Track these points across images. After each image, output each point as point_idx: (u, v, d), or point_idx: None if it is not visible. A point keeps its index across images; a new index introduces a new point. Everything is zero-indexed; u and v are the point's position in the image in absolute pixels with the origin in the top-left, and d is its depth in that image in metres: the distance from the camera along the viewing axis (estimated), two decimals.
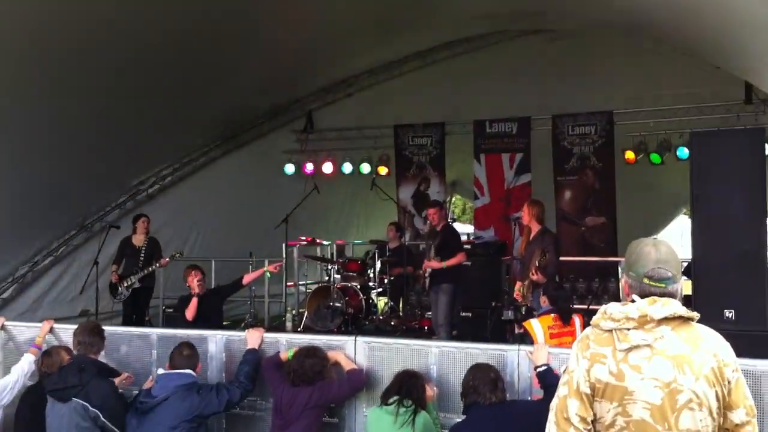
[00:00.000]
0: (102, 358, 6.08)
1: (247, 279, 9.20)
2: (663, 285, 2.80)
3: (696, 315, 2.80)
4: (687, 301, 6.82)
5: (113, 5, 8.45)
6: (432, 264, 9.26)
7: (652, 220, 14.69)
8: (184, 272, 8.60)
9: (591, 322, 2.93)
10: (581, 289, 12.02)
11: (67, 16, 8.29)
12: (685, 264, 8.35)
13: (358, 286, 10.93)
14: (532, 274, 7.60)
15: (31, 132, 9.70)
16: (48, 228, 11.58)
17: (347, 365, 5.52)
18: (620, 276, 2.85)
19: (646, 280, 2.81)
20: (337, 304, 10.52)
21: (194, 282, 8.34)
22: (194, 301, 8.25)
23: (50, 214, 11.20)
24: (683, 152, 11.48)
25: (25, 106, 9.25)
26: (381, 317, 11.37)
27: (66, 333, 6.61)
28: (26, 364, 6.27)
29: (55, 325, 6.85)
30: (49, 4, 8.07)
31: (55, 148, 10.21)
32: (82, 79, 9.46)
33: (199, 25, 9.59)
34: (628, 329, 2.75)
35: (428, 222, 10.00)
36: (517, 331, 7.63)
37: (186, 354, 5.58)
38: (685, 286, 8.69)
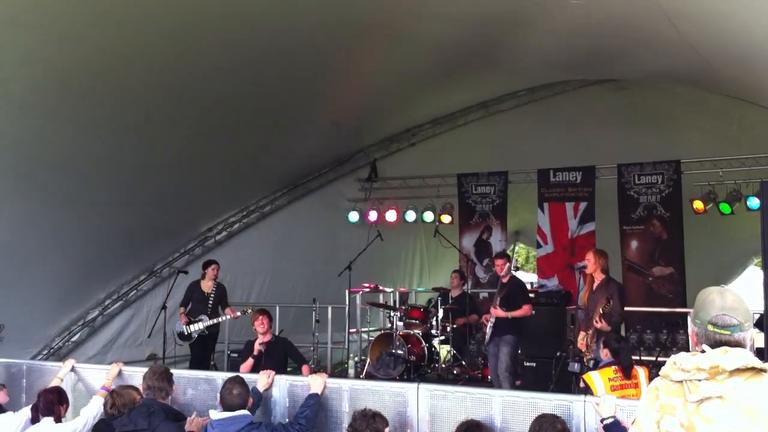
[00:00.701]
0: (167, 400, 6.16)
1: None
2: (728, 332, 2.75)
3: None
4: (759, 353, 6.66)
5: (189, 60, 8.76)
6: (498, 312, 9.14)
7: (721, 270, 14.36)
8: (252, 317, 8.64)
9: (660, 373, 2.88)
10: (649, 340, 11.74)
11: (147, 72, 8.66)
12: (758, 316, 8.21)
13: (421, 334, 10.90)
14: (596, 322, 7.49)
15: (105, 181, 10.07)
16: (119, 273, 11.92)
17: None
18: (689, 326, 2.81)
19: (710, 327, 2.77)
20: (400, 352, 10.49)
21: (259, 328, 8.36)
22: (250, 361, 8.21)
23: (121, 260, 11.55)
24: (753, 202, 11.24)
25: (99, 156, 9.62)
26: (443, 365, 11.29)
27: (134, 376, 6.73)
28: (95, 406, 6.36)
29: (124, 368, 6.99)
30: (131, 67, 8.42)
31: (127, 196, 10.59)
32: (153, 129, 9.82)
33: (268, 78, 9.86)
34: (699, 380, 2.70)
35: (493, 271, 9.91)
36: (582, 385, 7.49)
37: (237, 393, 5.56)
38: (758, 339, 8.47)
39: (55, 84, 8.23)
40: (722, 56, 7.74)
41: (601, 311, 7.51)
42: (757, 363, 2.69)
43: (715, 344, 2.75)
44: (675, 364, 2.80)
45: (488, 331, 9.27)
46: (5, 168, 8.92)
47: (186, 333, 10.15)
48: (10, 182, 9.13)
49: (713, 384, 2.67)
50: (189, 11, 7.82)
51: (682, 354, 2.83)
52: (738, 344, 2.76)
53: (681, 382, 2.75)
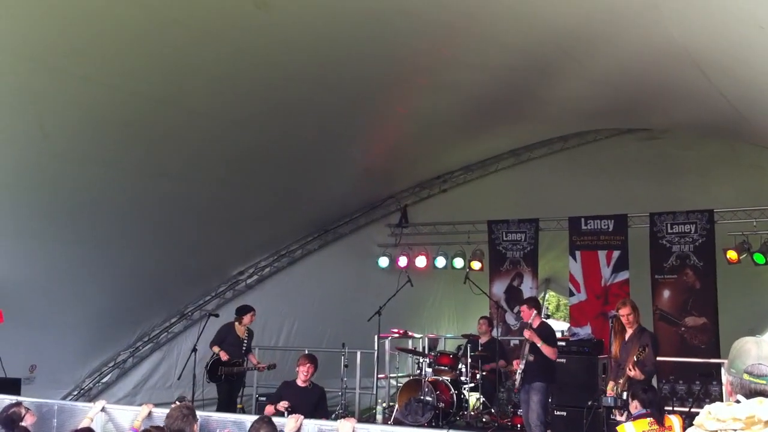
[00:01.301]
0: None
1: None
2: (764, 381, 2.73)
3: None
4: None
5: (224, 106, 8.94)
6: (533, 337, 8.97)
7: (756, 321, 14.18)
8: (299, 360, 8.60)
9: (695, 422, 2.86)
10: (681, 391, 11.55)
11: (183, 118, 8.88)
12: None
13: (450, 381, 10.82)
14: (630, 370, 7.41)
15: (138, 224, 10.25)
16: (150, 315, 12.06)
17: None
18: (723, 377, 2.81)
19: (746, 376, 2.75)
20: (428, 398, 10.41)
21: (302, 375, 8.35)
22: (271, 410, 8.07)
23: (152, 302, 11.69)
24: None
25: (133, 199, 9.81)
26: (472, 413, 11.18)
27: (164, 418, 6.76)
28: None
29: (154, 410, 7.02)
30: (167, 112, 8.65)
31: (159, 239, 10.75)
32: (187, 173, 10.02)
33: (301, 124, 10.04)
34: (735, 430, 2.68)
35: (520, 318, 9.83)
36: (618, 416, 7.36)
37: None
38: None
39: (91, 129, 8.46)
40: (753, 106, 7.74)
41: (635, 359, 7.44)
42: None
43: (751, 394, 2.74)
44: (710, 413, 2.78)
45: (518, 377, 9.17)
46: (41, 210, 9.12)
47: (218, 374, 10.18)
48: (46, 224, 9.32)
49: None
50: (227, 60, 8.02)
51: (718, 404, 2.81)
52: (754, 392, 2.74)
53: None
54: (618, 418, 7.34)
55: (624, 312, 8.09)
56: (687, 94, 8.44)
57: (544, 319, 9.75)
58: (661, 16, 6.23)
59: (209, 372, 10.31)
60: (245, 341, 10.46)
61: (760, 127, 8.65)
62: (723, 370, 2.71)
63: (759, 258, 11.75)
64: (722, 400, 2.93)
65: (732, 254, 11.91)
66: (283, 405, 7.98)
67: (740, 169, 12.77)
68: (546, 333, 9.33)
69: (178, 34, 7.37)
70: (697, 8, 5.84)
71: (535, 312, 9.16)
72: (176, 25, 7.21)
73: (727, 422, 2.69)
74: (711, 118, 9.47)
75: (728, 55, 6.31)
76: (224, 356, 10.20)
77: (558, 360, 9.38)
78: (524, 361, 9.06)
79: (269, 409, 8.05)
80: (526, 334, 9.01)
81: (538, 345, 8.88)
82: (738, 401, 2.75)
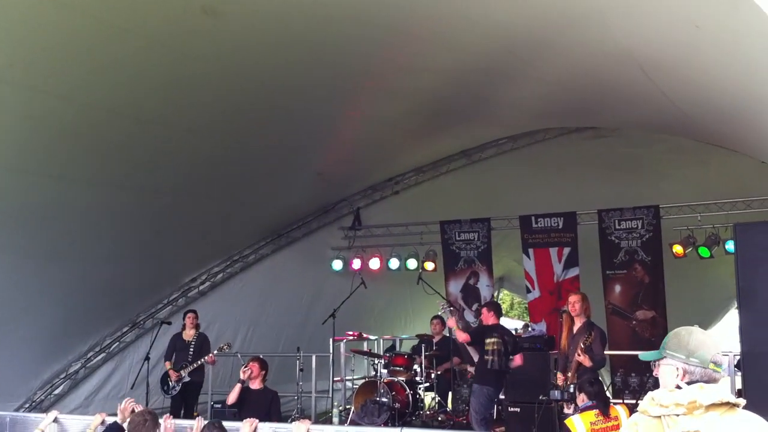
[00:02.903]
0: None
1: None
2: (720, 369, 2.85)
3: (742, 401, 2.82)
4: (740, 394, 6.72)
5: (172, 114, 8.88)
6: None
7: (703, 313, 14.47)
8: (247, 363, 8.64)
9: (638, 408, 2.95)
10: (633, 383, 11.78)
11: (130, 127, 8.80)
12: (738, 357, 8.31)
13: (405, 381, 10.87)
14: (578, 355, 7.54)
15: (87, 234, 10.13)
16: (101, 325, 11.87)
17: None
18: (666, 363, 2.87)
19: (712, 366, 2.87)
20: (384, 399, 10.45)
21: (244, 374, 8.41)
22: (237, 386, 8.30)
23: (103, 312, 11.52)
24: (731, 246, 11.38)
25: (81, 210, 9.68)
26: (428, 412, 11.24)
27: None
28: None
29: (107, 418, 6.96)
30: (114, 122, 8.55)
31: (109, 248, 10.62)
32: (136, 182, 9.91)
33: (254, 129, 9.99)
34: (678, 415, 2.77)
35: (480, 318, 9.95)
36: (566, 409, 7.49)
37: None
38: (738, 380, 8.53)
39: (41, 140, 8.34)
40: (694, 104, 7.93)
41: (582, 345, 7.58)
42: (731, 398, 2.78)
43: (711, 382, 2.85)
44: (653, 399, 2.87)
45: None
46: None
47: (171, 386, 10.16)
48: None
49: (691, 419, 2.74)
50: (177, 67, 7.97)
51: (660, 390, 2.90)
52: (713, 380, 2.85)
53: (659, 417, 2.81)
54: (566, 410, 7.47)
55: (572, 299, 8.21)
56: (632, 95, 8.60)
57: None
58: (605, 20, 6.36)
59: (162, 385, 10.35)
60: (192, 344, 10.40)
61: (701, 124, 8.86)
62: (670, 357, 2.76)
63: (704, 252, 12.03)
64: None
65: (678, 249, 12.18)
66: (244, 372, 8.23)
67: (686, 166, 13.02)
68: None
69: (128, 43, 7.29)
70: (638, 12, 5.97)
71: (493, 314, 9.30)
72: (125, 34, 7.13)
73: (670, 407, 2.79)
74: (656, 117, 9.67)
75: (668, 56, 6.46)
76: (174, 376, 10.20)
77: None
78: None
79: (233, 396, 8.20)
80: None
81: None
82: (679, 387, 2.85)
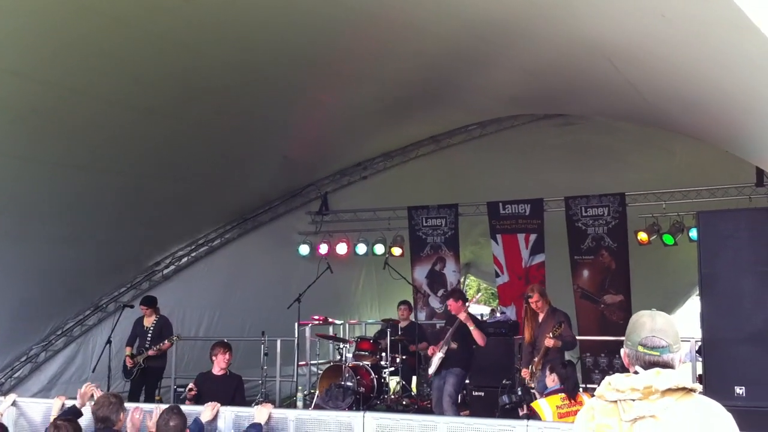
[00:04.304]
0: None
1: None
2: (657, 353, 2.83)
3: (699, 387, 2.82)
4: (701, 380, 6.80)
5: (135, 94, 8.73)
6: (468, 320, 8.99)
7: (667, 299, 14.62)
8: (212, 348, 8.48)
9: (595, 393, 2.94)
10: (603, 364, 11.95)
11: (91, 108, 8.64)
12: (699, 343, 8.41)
13: (370, 366, 10.87)
14: (548, 340, 7.59)
15: (48, 216, 9.96)
16: (63, 309, 11.73)
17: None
18: (622, 349, 2.94)
19: (640, 348, 2.85)
20: (349, 384, 10.45)
21: (222, 363, 8.26)
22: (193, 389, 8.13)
23: (65, 295, 11.37)
24: (695, 233, 11.50)
25: (42, 191, 9.52)
26: (393, 396, 11.26)
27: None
28: None
29: (67, 402, 6.87)
30: (76, 103, 8.40)
31: (71, 230, 10.46)
32: (98, 164, 9.76)
33: (219, 112, 9.87)
34: (633, 400, 2.76)
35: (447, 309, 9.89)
36: (521, 413, 7.55)
37: (173, 424, 5.49)
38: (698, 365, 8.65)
39: None
40: (659, 93, 7.97)
41: (550, 334, 7.64)
42: (688, 383, 2.77)
43: (646, 365, 2.83)
44: (610, 384, 2.86)
45: (435, 362, 9.26)
46: None
47: (129, 370, 10.11)
48: None
49: (646, 404, 2.74)
50: (140, 46, 7.81)
51: (617, 375, 2.89)
52: (666, 365, 2.84)
53: (616, 402, 2.81)
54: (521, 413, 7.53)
55: (533, 300, 8.30)
56: (599, 84, 8.63)
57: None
58: (573, 9, 6.35)
59: (124, 372, 10.33)
60: (150, 330, 10.32)
61: (665, 112, 8.91)
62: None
63: (668, 239, 12.18)
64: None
65: (642, 236, 12.32)
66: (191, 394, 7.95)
67: (651, 154, 13.15)
68: (475, 321, 9.51)
69: (90, 21, 7.13)
70: (605, 1, 5.98)
71: (461, 302, 9.27)
72: (87, 12, 6.98)
73: (626, 392, 2.78)
74: (622, 106, 9.72)
75: (634, 46, 6.46)
76: (129, 363, 10.17)
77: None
78: (445, 347, 9.14)
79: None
80: (462, 317, 9.02)
81: (471, 328, 8.99)
82: (636, 372, 2.84)
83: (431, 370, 9.37)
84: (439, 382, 9.31)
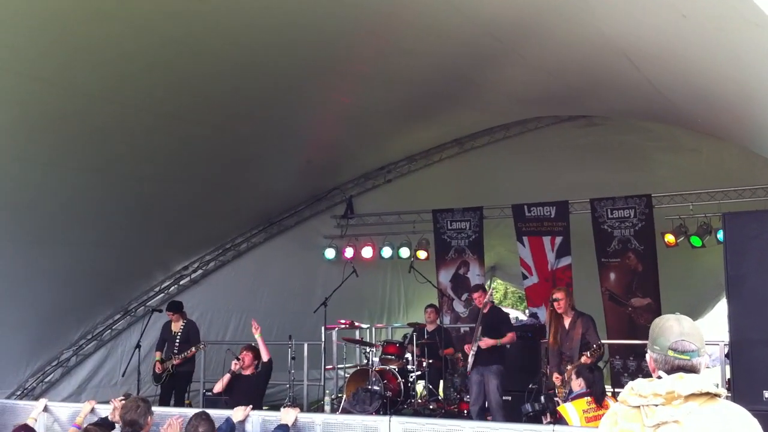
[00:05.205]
0: None
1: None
2: (687, 357, 2.81)
3: (723, 392, 2.80)
4: (729, 384, 6.73)
5: (161, 100, 8.84)
6: (488, 342, 9.22)
7: (696, 301, 14.50)
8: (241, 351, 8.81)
9: (618, 398, 2.94)
10: (632, 367, 11.87)
11: (119, 112, 8.75)
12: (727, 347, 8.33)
13: (397, 370, 10.89)
14: (586, 359, 7.57)
15: (77, 221, 10.09)
16: (93, 313, 11.86)
17: None
18: (647, 354, 2.91)
19: (670, 353, 2.82)
20: (376, 388, 10.47)
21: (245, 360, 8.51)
22: (227, 376, 8.39)
23: (95, 299, 11.51)
24: (722, 235, 11.41)
25: (72, 196, 9.65)
26: (419, 401, 11.27)
27: (107, 414, 6.72)
28: None
29: (97, 406, 6.97)
30: (103, 108, 8.52)
31: (100, 235, 10.59)
32: (126, 168, 9.89)
33: (242, 115, 9.95)
34: (656, 405, 2.76)
35: (473, 304, 10.02)
36: (545, 422, 7.53)
37: (202, 431, 5.56)
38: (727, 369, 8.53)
39: (26, 125, 8.29)
40: (680, 92, 7.93)
41: (588, 355, 7.60)
42: (711, 388, 2.75)
43: (674, 369, 2.81)
44: (633, 389, 2.86)
45: (470, 360, 9.37)
46: None
47: (159, 375, 10.21)
48: None
49: (669, 409, 2.73)
50: (161, 51, 7.91)
51: (640, 380, 2.89)
52: (693, 369, 2.82)
53: (638, 407, 2.80)
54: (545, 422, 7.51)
55: (558, 296, 8.28)
56: (619, 83, 8.60)
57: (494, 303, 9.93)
58: (591, 8, 6.34)
59: (154, 377, 10.44)
60: (178, 335, 10.41)
61: (689, 113, 8.86)
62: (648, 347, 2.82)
63: (695, 241, 12.03)
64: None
65: (669, 238, 12.19)
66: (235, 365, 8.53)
67: (678, 154, 13.03)
68: (500, 318, 9.62)
69: (110, 26, 7.22)
70: (624, 0, 5.96)
71: (485, 294, 9.39)
72: (107, 17, 7.07)
73: (649, 397, 2.77)
74: (644, 106, 9.67)
75: (654, 45, 6.44)
76: (158, 368, 10.26)
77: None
78: (476, 345, 9.23)
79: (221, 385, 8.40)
80: (482, 344, 9.26)
81: (497, 344, 9.22)
82: (659, 377, 2.84)
83: (468, 368, 9.59)
84: (478, 377, 9.47)
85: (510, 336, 9.45)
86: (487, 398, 9.51)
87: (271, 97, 9.57)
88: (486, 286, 12.09)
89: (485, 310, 9.48)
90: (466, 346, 9.75)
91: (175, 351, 10.29)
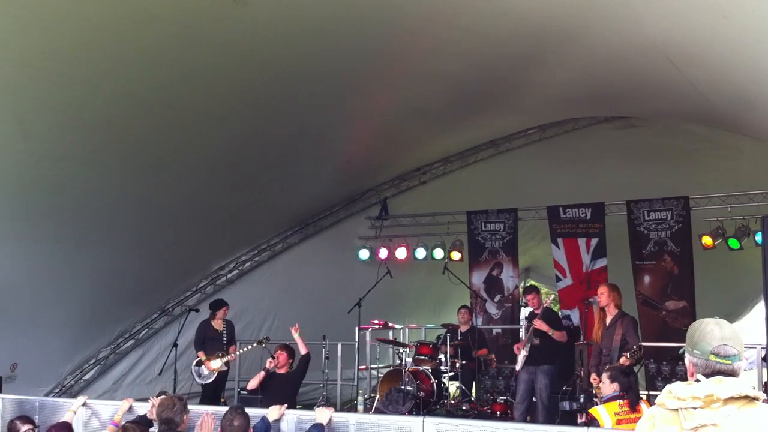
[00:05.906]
0: None
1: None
2: (729, 362, 2.80)
3: (762, 395, 2.79)
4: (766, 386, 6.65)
5: (201, 103, 8.94)
6: (542, 325, 9.17)
7: (733, 305, 14.33)
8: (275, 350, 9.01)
9: (656, 401, 2.94)
10: (666, 372, 11.71)
11: (159, 116, 8.89)
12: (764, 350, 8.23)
13: (430, 370, 10.89)
14: (625, 360, 7.51)
15: (117, 221, 10.25)
16: (131, 312, 12.05)
17: None
18: (686, 357, 2.90)
19: (712, 357, 2.82)
20: (409, 388, 10.48)
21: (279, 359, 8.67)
22: (261, 374, 8.51)
23: (133, 298, 11.68)
24: (761, 237, 11.25)
25: (112, 197, 9.82)
26: (452, 401, 11.26)
27: (144, 411, 6.81)
28: None
29: (134, 404, 7.06)
30: (144, 110, 8.66)
31: (138, 236, 10.74)
32: (166, 171, 10.03)
33: (280, 118, 10.04)
34: (695, 408, 2.75)
35: (530, 310, 10.03)
36: (580, 420, 7.48)
37: (237, 424, 5.59)
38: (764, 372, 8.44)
39: (71, 127, 8.43)
40: (721, 94, 7.84)
41: (627, 356, 7.53)
42: (750, 392, 2.75)
43: (714, 373, 2.81)
44: (671, 392, 2.85)
45: (520, 360, 9.35)
46: (22, 210, 9.11)
47: (205, 375, 10.26)
48: (26, 225, 9.30)
49: (708, 412, 2.72)
50: (205, 55, 8.00)
51: (678, 383, 2.88)
52: (733, 373, 2.82)
53: (677, 410, 2.80)
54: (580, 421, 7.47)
55: (600, 290, 8.24)
56: (660, 84, 8.52)
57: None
58: (632, 9, 6.30)
59: (195, 372, 10.46)
60: (224, 334, 10.52)
61: (729, 114, 8.76)
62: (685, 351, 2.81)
63: (733, 243, 11.88)
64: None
65: (707, 240, 12.04)
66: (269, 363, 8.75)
67: (717, 156, 12.88)
68: (553, 317, 9.72)
69: (157, 30, 7.35)
70: (665, 1, 5.92)
71: (539, 298, 9.41)
72: (154, 21, 7.19)
73: (687, 401, 2.77)
74: (684, 107, 9.58)
75: (695, 45, 6.39)
76: (209, 367, 10.30)
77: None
78: (529, 345, 9.27)
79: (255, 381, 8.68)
80: (536, 323, 9.21)
81: (549, 333, 9.15)
82: (698, 380, 2.83)
83: (518, 367, 9.58)
84: (527, 376, 9.48)
85: (562, 333, 9.45)
86: (537, 396, 9.51)
87: (311, 99, 9.62)
88: (537, 288, 12.16)
89: (538, 311, 9.48)
90: (515, 346, 9.76)
91: (224, 349, 10.40)
